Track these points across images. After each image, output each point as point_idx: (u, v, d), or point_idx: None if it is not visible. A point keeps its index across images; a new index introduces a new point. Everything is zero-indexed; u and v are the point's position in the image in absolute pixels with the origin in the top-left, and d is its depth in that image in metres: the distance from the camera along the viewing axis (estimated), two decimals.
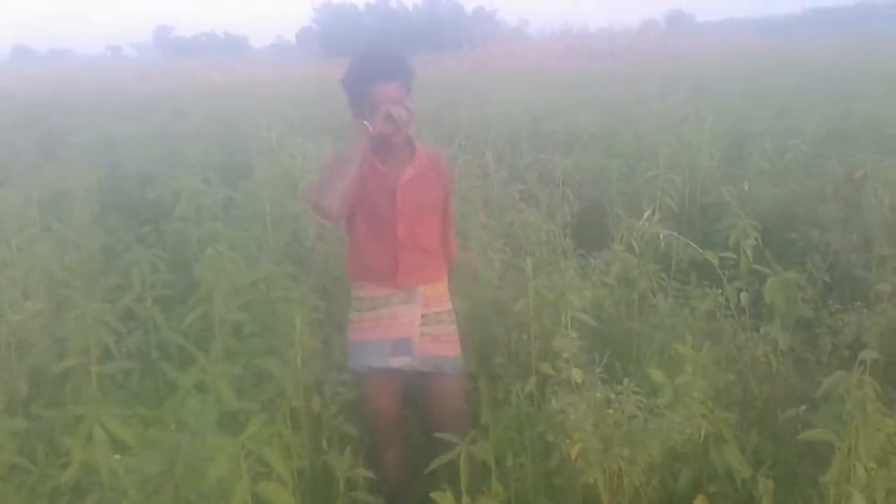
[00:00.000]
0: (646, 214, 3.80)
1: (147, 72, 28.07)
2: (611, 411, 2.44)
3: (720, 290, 3.34)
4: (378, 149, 2.78)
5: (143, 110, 11.66)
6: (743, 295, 3.37)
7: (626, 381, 2.48)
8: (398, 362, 2.78)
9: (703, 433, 2.47)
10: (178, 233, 4.45)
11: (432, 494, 2.41)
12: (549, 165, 5.79)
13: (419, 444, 2.97)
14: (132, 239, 4.40)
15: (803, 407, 2.69)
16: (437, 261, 2.89)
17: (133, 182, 6.35)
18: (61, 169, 5.58)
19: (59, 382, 2.96)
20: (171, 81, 21.55)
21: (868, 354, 2.49)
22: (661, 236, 3.68)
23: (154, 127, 9.26)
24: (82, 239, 4.11)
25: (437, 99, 10.88)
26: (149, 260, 3.55)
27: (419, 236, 2.80)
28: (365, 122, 2.62)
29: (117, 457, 2.13)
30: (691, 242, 3.65)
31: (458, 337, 2.89)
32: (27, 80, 22.47)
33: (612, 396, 2.47)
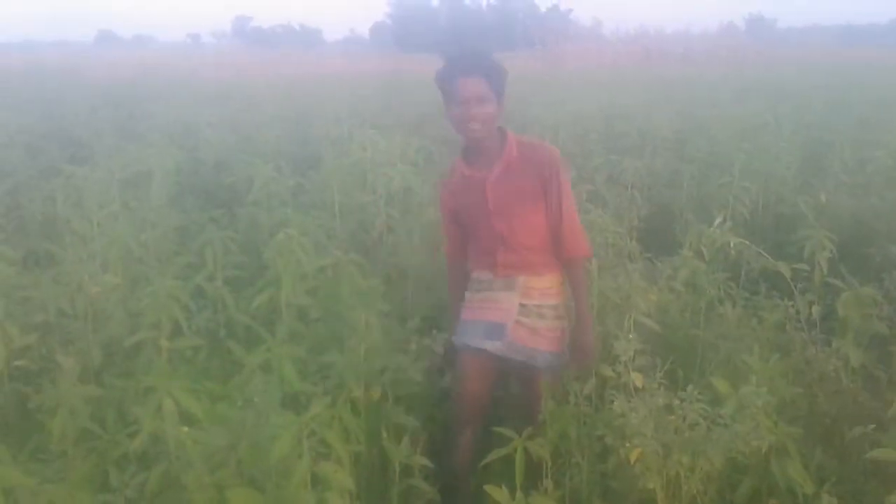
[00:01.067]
0: (717, 221, 3.72)
1: (224, 60, 28.72)
2: (672, 417, 2.41)
3: (791, 302, 3.27)
4: (466, 153, 2.90)
5: (220, 97, 11.94)
6: (815, 308, 3.29)
7: (689, 388, 2.45)
8: (490, 345, 2.84)
9: (766, 446, 2.42)
10: (250, 217, 4.56)
11: (486, 487, 2.42)
12: (619, 167, 5.74)
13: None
14: (206, 220, 4.53)
15: (872, 426, 2.61)
16: (544, 256, 2.87)
17: (209, 166, 6.53)
18: (141, 151, 5.76)
19: (131, 354, 3.07)
20: (247, 70, 22.00)
21: None
22: (732, 244, 3.61)
23: (229, 114, 9.48)
24: (159, 218, 4.25)
25: (508, 97, 10.83)
26: (221, 241, 3.64)
27: (519, 232, 2.83)
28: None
29: (185, 429, 2.20)
30: (763, 252, 3.56)
31: (560, 334, 2.89)
32: (110, 65, 23.21)
33: (675, 403, 2.43)
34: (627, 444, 2.38)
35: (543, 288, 2.86)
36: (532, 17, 54.48)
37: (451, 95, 2.74)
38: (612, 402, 2.48)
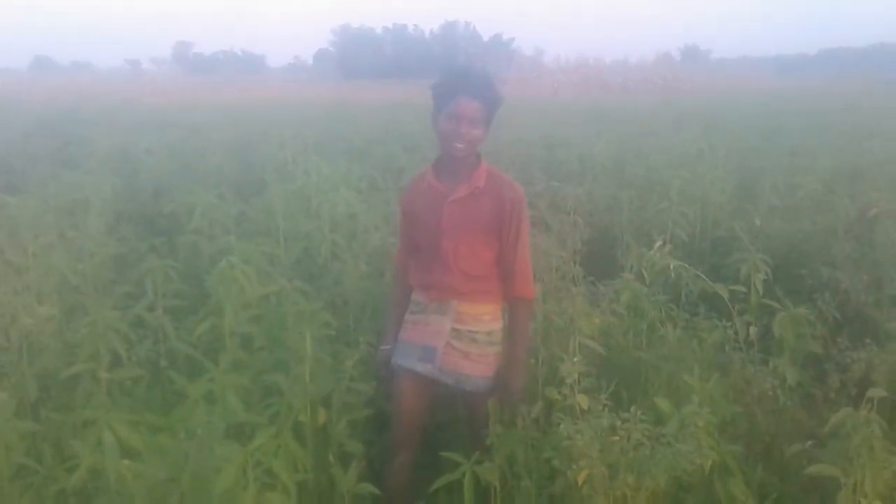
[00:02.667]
0: (657, 245, 3.81)
1: (165, 86, 28.37)
2: (617, 438, 2.44)
3: (729, 323, 3.34)
4: (437, 165, 2.92)
5: (160, 124, 11.77)
6: (752, 328, 3.37)
7: (633, 408, 2.48)
8: (421, 367, 2.85)
9: (708, 464, 2.46)
10: (192, 245, 4.49)
11: None
12: (561, 193, 5.82)
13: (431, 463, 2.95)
14: (146, 249, 4.45)
15: (810, 442, 2.68)
16: (482, 285, 2.87)
17: (148, 194, 6.41)
18: (78, 178, 5.63)
19: (69, 387, 2.98)
20: (188, 97, 21.78)
21: (876, 392, 2.50)
22: (672, 267, 3.69)
23: (170, 141, 9.34)
24: (96, 247, 4.15)
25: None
26: (161, 270, 3.57)
27: (463, 258, 2.84)
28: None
29: (126, 462, 2.14)
30: (701, 274, 3.65)
31: (493, 360, 2.88)
32: (47, 91, 22.72)
33: (619, 423, 2.47)
34: (574, 466, 2.40)
35: (477, 314, 2.87)
36: (475, 46, 55.29)
37: (447, 110, 2.76)
38: (559, 424, 2.50)
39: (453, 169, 2.87)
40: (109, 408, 2.31)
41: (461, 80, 2.80)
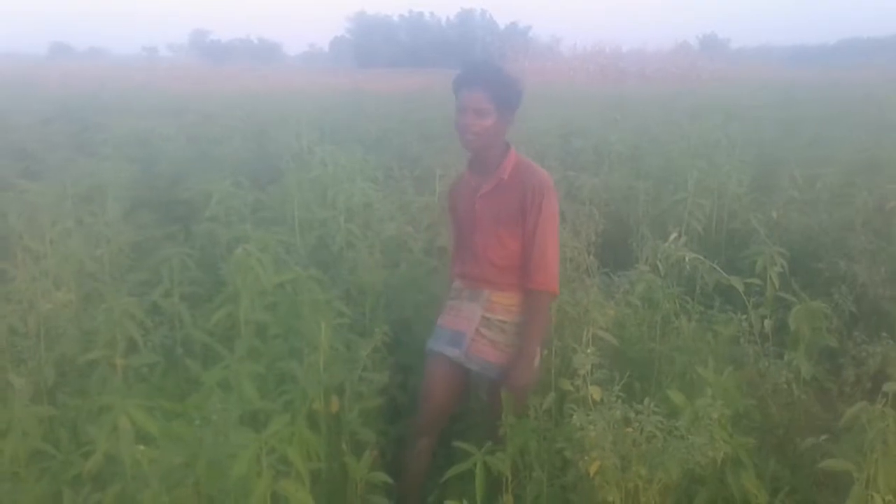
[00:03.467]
0: (672, 236, 3.79)
1: (181, 73, 28.43)
2: (630, 430, 2.44)
3: (744, 316, 3.33)
4: (471, 160, 3.00)
5: (177, 111, 11.79)
6: (767, 322, 3.36)
7: (646, 400, 2.48)
8: (450, 352, 2.89)
9: (721, 457, 2.46)
10: (208, 233, 4.51)
11: (446, 503, 2.43)
12: (577, 183, 5.81)
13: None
14: (162, 236, 4.47)
15: (824, 436, 2.68)
16: (512, 276, 2.89)
17: (165, 181, 6.43)
18: (96, 165, 5.66)
19: (85, 373, 3.01)
20: (205, 84, 21.80)
21: (891, 387, 2.49)
22: (687, 259, 3.67)
23: (186, 128, 9.37)
24: (114, 234, 4.17)
25: None
26: (178, 257, 3.59)
27: (491, 249, 2.88)
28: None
29: (141, 448, 2.16)
30: (717, 267, 3.64)
31: None
32: (64, 77, 22.79)
33: (632, 415, 2.47)
34: (586, 458, 2.41)
35: (507, 304, 2.89)
36: (491, 34, 54.99)
37: (457, 104, 2.84)
38: (572, 415, 2.51)
39: (482, 162, 2.93)
40: (125, 394, 2.33)
41: (466, 73, 2.85)
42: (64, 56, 52.77)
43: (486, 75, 2.83)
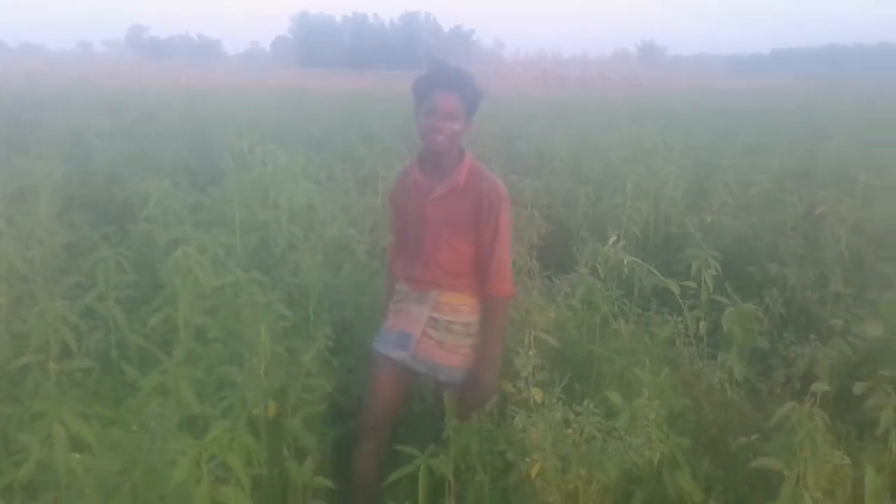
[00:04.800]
0: (611, 240, 3.86)
1: (118, 69, 27.74)
2: (570, 431, 2.48)
3: (680, 318, 3.41)
4: (422, 160, 2.95)
5: (113, 107, 11.51)
6: (701, 323, 3.45)
7: (586, 402, 2.52)
8: (397, 354, 2.89)
9: (657, 457, 2.52)
10: (145, 234, 4.41)
11: None
12: (519, 187, 5.86)
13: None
14: (97, 237, 4.35)
15: (755, 436, 2.75)
16: (461, 280, 2.89)
17: (101, 179, 6.27)
18: (28, 163, 5.49)
19: (17, 379, 2.91)
20: (142, 80, 21.32)
21: (819, 387, 2.58)
22: (625, 262, 3.75)
23: (123, 125, 9.15)
24: (46, 234, 4.05)
25: (409, 114, 10.93)
26: (114, 259, 3.51)
27: (442, 253, 2.87)
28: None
29: (76, 455, 2.11)
30: (654, 270, 3.72)
31: (469, 352, 2.90)
32: None
33: (572, 417, 2.50)
34: (528, 459, 2.43)
35: (455, 304, 2.90)
36: (435, 37, 55.18)
37: (424, 105, 2.80)
38: (514, 417, 2.53)
39: (436, 164, 2.90)
40: (59, 400, 2.26)
41: (438, 75, 2.83)
42: None
43: (458, 79, 2.82)
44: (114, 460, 2.10)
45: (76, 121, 8.65)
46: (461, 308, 2.90)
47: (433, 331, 2.89)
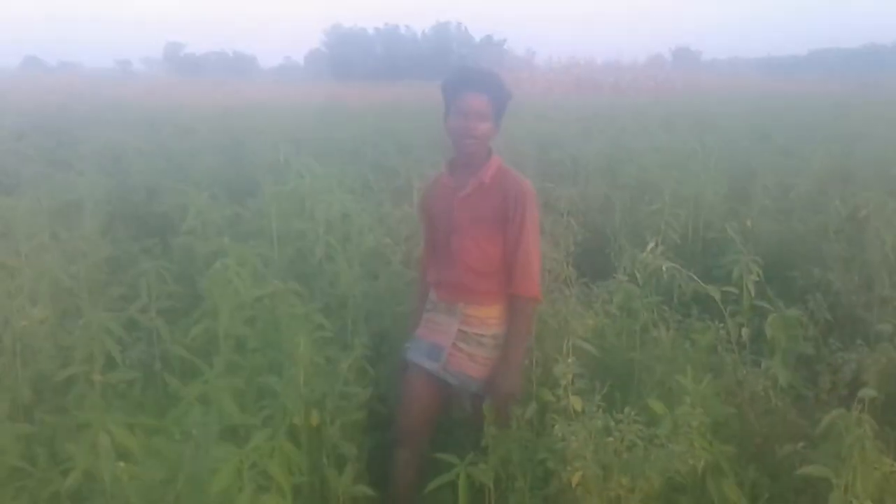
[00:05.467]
0: (649, 246, 3.82)
1: (155, 87, 28.26)
2: (611, 440, 2.46)
3: (721, 324, 3.36)
4: (451, 162, 2.97)
5: (151, 124, 11.73)
6: (744, 330, 3.39)
7: (626, 410, 2.50)
8: (429, 365, 2.89)
9: (701, 465, 2.48)
10: (185, 247, 4.48)
11: None
12: (554, 194, 5.84)
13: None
14: (139, 251, 4.43)
15: (802, 443, 2.70)
16: (489, 284, 2.88)
17: (141, 194, 6.38)
18: (71, 179, 5.61)
19: (62, 390, 2.97)
20: (180, 97, 21.68)
21: (867, 393, 2.52)
22: (664, 268, 3.71)
23: (162, 141, 9.32)
24: (90, 249, 4.13)
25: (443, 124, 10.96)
26: (155, 271, 3.56)
27: (469, 252, 2.86)
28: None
29: (121, 464, 2.14)
30: (694, 276, 3.67)
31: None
32: (36, 90, 22.58)
33: (613, 425, 2.48)
34: (568, 468, 2.41)
35: (484, 317, 2.89)
36: (466, 47, 55.34)
37: (454, 107, 2.82)
38: (553, 426, 2.51)
39: (464, 165, 2.91)
40: (104, 410, 2.30)
41: (467, 76, 2.86)
42: (36, 70, 52.23)
43: (487, 80, 2.84)
44: (157, 469, 2.13)
45: (115, 137, 8.82)
46: (488, 320, 2.89)
47: (463, 344, 2.88)
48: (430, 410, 2.97)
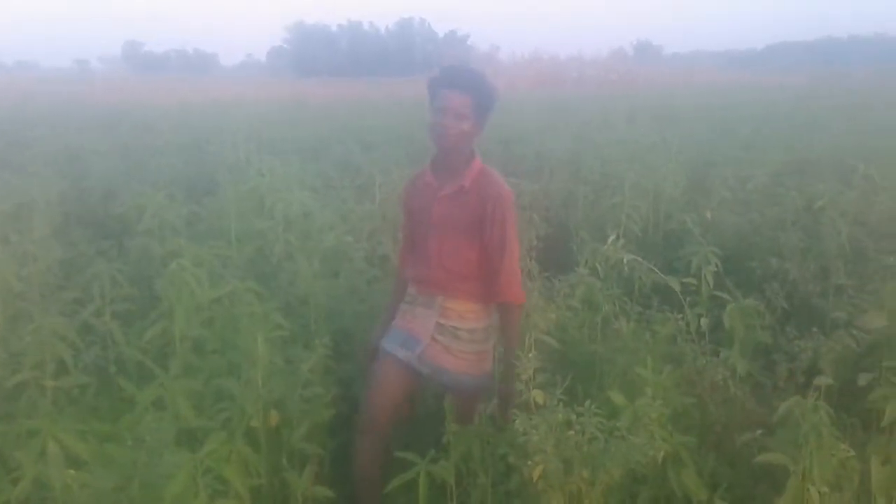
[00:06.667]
0: (610, 239, 3.84)
1: (114, 85, 27.81)
2: (572, 433, 2.45)
3: (681, 315, 3.38)
4: (434, 160, 2.95)
5: (109, 124, 11.52)
6: (703, 320, 3.42)
7: (587, 402, 2.50)
8: (402, 354, 2.87)
9: (661, 455, 2.49)
10: (142, 248, 4.39)
11: None
12: (518, 189, 5.83)
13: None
14: (93, 253, 4.34)
15: (760, 431, 2.73)
16: (466, 285, 2.87)
17: (97, 195, 6.26)
18: (23, 180, 5.48)
19: (13, 396, 2.89)
20: (139, 96, 21.37)
21: (823, 380, 2.56)
22: (625, 261, 3.73)
23: (120, 141, 9.16)
24: (42, 251, 4.03)
25: (407, 120, 10.95)
26: (110, 274, 3.49)
27: (447, 255, 2.85)
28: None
29: (72, 472, 2.09)
30: (654, 268, 3.69)
31: (474, 357, 2.89)
32: None
33: (574, 418, 2.48)
34: (529, 462, 2.40)
35: (462, 311, 2.88)
36: (430, 42, 55.26)
37: (434, 104, 2.80)
38: (515, 420, 2.51)
39: (446, 164, 2.89)
40: (55, 417, 2.25)
41: (448, 75, 2.83)
42: None
43: (468, 79, 2.81)
44: (110, 476, 2.08)
45: (72, 138, 8.66)
46: (466, 315, 2.88)
47: (440, 336, 2.88)
48: (397, 399, 2.93)
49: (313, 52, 53.37)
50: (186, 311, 3.14)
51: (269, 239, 4.49)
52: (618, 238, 3.95)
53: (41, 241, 4.20)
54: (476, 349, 2.90)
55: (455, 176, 2.86)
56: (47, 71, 51.75)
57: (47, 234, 4.49)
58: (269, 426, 2.71)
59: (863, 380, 2.84)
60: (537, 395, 2.65)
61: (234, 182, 5.43)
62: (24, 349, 2.89)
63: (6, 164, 7.08)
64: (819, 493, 2.35)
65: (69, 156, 7.70)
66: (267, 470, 2.62)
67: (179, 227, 4.65)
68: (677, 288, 3.49)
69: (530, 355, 2.67)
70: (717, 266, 3.82)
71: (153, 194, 4.75)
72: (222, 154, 7.39)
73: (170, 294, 3.17)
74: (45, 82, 28.81)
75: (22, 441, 2.36)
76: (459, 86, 2.78)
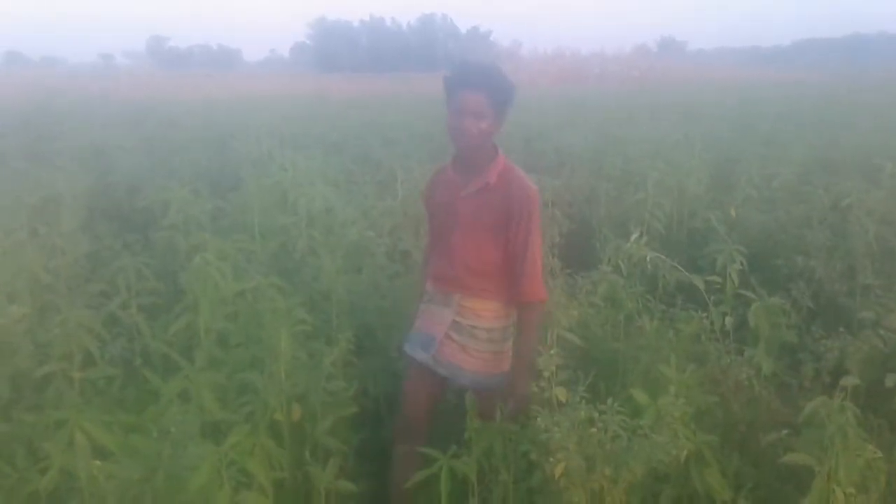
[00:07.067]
0: (633, 236, 3.82)
1: (139, 81, 28.07)
2: (594, 430, 2.44)
3: (705, 314, 3.36)
4: (455, 157, 2.91)
5: (134, 119, 11.64)
6: (728, 319, 3.39)
7: (609, 400, 2.49)
8: (420, 356, 2.88)
9: (684, 454, 2.47)
10: (166, 242, 4.43)
11: None
12: (539, 185, 5.81)
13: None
14: (120, 246, 4.39)
15: (785, 431, 2.70)
16: (486, 283, 2.83)
17: (122, 190, 6.34)
18: (51, 174, 5.55)
19: (41, 387, 2.93)
20: (163, 91, 21.54)
21: (850, 380, 2.53)
22: (648, 258, 3.70)
23: (144, 136, 9.25)
24: (69, 245, 4.09)
25: (429, 117, 10.96)
26: (135, 267, 3.52)
27: (468, 251, 2.82)
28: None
29: (98, 463, 2.11)
30: (678, 266, 3.67)
31: (491, 357, 2.86)
32: (17, 86, 22.37)
33: (596, 416, 2.47)
34: (552, 459, 2.40)
35: (479, 309, 2.85)
36: (452, 39, 55.23)
37: (451, 103, 2.75)
38: (537, 417, 2.50)
39: (469, 162, 2.85)
40: (82, 408, 2.27)
41: (463, 73, 2.77)
42: (17, 65, 51.74)
43: (485, 77, 2.75)
44: (135, 467, 2.10)
45: (97, 132, 8.75)
46: (484, 313, 2.86)
47: (456, 334, 2.85)
48: (425, 404, 2.94)
49: (335, 48, 53.51)
50: (211, 304, 3.16)
51: (293, 234, 4.51)
52: (641, 235, 3.93)
53: (68, 235, 4.25)
54: (494, 349, 2.87)
55: (479, 173, 2.82)
56: (73, 66, 52.34)
57: (74, 227, 4.54)
58: (292, 420, 2.72)
59: (890, 380, 2.82)
60: (560, 393, 2.64)
61: (257, 177, 5.46)
62: (51, 340, 2.91)
63: (33, 159, 7.18)
64: (845, 494, 2.32)
65: (95, 151, 7.78)
66: (290, 463, 2.63)
67: (204, 222, 4.68)
68: (701, 286, 3.47)
69: (552, 352, 2.66)
70: (742, 264, 3.78)
71: (178, 189, 4.79)
72: (246, 149, 7.44)
73: (194, 288, 3.19)
74: (71, 77, 29.13)
75: (50, 431, 2.40)
76: (473, 84, 2.72)
